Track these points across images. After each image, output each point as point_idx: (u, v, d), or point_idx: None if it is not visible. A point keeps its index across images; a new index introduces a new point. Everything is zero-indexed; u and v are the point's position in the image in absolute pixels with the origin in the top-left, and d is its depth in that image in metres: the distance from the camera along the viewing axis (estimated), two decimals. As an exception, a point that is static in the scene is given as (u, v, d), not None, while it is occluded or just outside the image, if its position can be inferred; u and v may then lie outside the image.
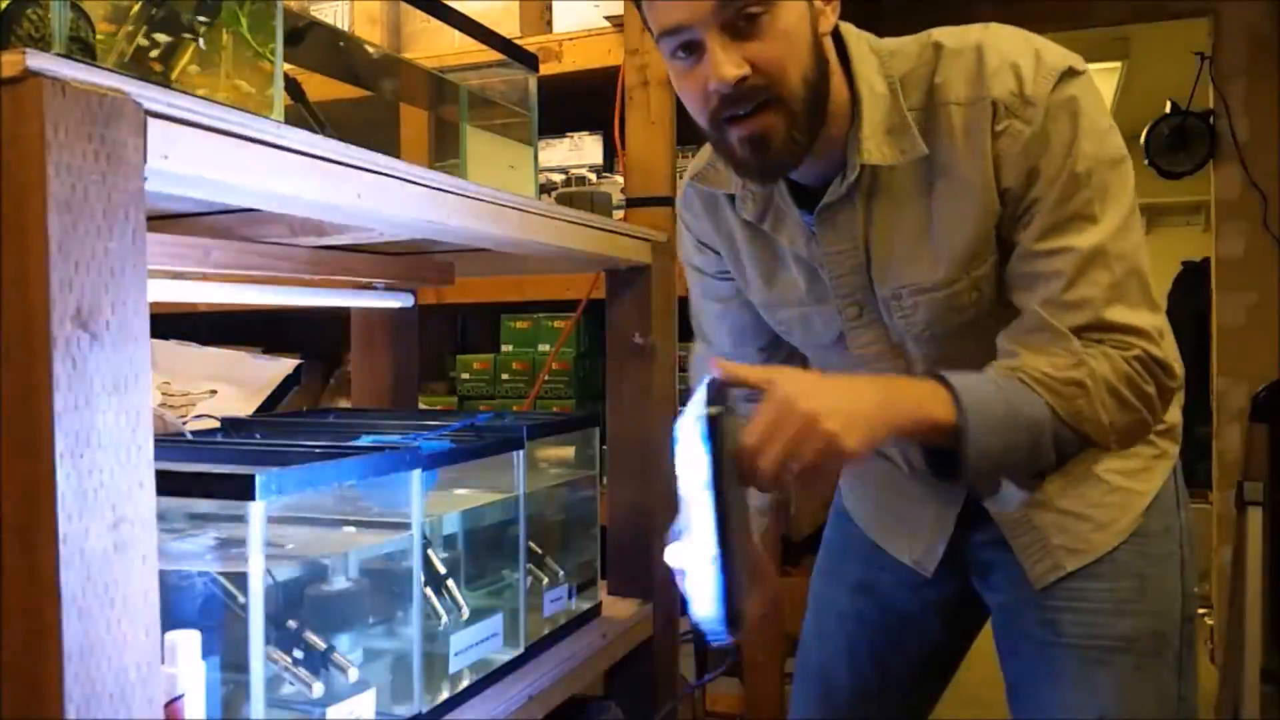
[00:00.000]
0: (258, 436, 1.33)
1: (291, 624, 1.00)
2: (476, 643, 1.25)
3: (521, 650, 1.35)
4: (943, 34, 1.00)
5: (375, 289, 1.72)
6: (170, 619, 0.83)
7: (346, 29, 1.82)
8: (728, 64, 0.90)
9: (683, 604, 0.90)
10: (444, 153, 1.54)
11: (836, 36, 1.00)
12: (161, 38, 0.89)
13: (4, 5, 0.75)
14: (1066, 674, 1.09)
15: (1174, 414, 1.12)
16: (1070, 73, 0.95)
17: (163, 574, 0.73)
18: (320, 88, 1.30)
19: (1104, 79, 4.25)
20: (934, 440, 0.92)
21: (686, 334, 1.40)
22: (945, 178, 0.98)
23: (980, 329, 1.01)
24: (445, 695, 1.19)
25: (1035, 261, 0.95)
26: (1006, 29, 0.99)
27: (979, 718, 1.22)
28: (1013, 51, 0.96)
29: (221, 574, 0.97)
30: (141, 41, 0.88)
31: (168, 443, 1.20)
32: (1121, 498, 1.09)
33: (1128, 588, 1.08)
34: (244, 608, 0.92)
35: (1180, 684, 1.10)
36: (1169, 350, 0.95)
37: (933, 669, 1.31)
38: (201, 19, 0.91)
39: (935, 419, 0.89)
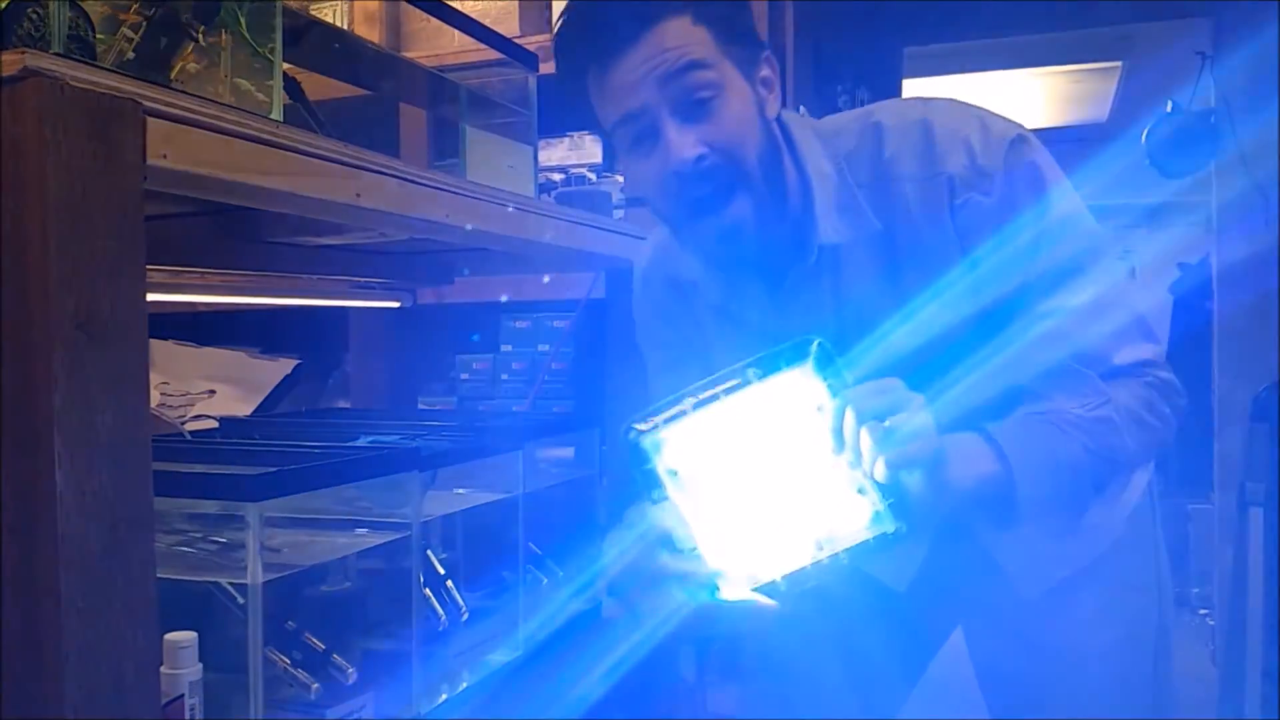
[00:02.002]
0: (256, 437, 1.33)
1: (290, 625, 0.99)
2: (476, 644, 1.24)
3: (521, 651, 1.34)
4: (883, 112, 1.02)
5: (375, 289, 1.72)
6: (168, 620, 0.83)
7: (346, 28, 1.82)
8: (684, 144, 0.91)
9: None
10: (443, 152, 1.54)
11: (780, 123, 1.01)
12: (156, 36, 0.89)
13: (3, 4, 0.74)
14: (1050, 684, 1.10)
15: None
16: (1020, 139, 0.97)
17: (161, 574, 0.73)
18: (319, 87, 1.29)
19: (1104, 79, 4.25)
20: (982, 491, 0.92)
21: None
22: (907, 250, 0.99)
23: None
24: (444, 697, 1.18)
25: (1037, 323, 0.96)
26: (946, 102, 1.01)
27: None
28: (959, 126, 0.97)
29: (220, 575, 0.97)
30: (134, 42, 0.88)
31: (166, 443, 1.20)
32: (1105, 508, 1.09)
33: (1110, 596, 1.09)
34: (242, 609, 0.92)
35: (1158, 689, 1.12)
36: (1171, 371, 0.99)
37: (897, 684, 1.28)
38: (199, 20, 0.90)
39: (980, 471, 0.90)
